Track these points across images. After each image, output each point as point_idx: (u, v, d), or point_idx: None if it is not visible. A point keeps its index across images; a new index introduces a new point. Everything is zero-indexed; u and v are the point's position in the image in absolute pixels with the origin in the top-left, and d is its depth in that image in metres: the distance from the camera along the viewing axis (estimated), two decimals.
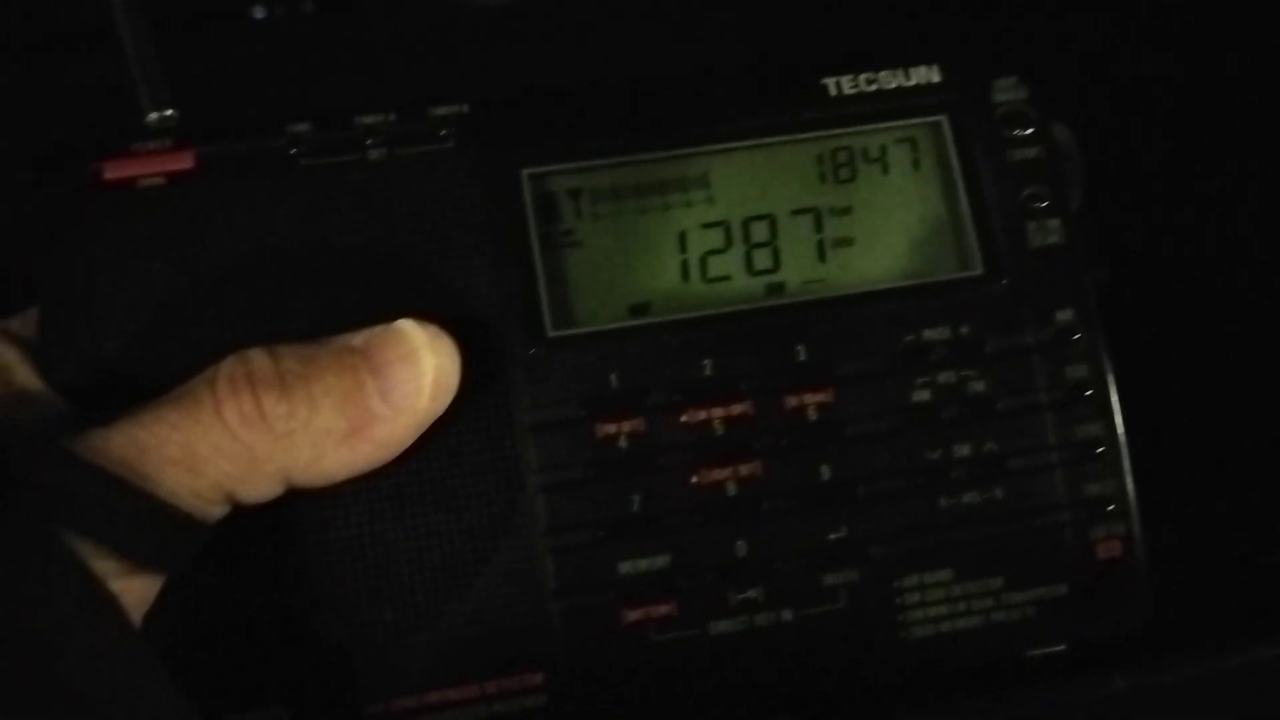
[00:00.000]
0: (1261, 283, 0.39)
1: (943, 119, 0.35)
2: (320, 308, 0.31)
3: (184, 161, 0.32)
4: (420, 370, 0.28)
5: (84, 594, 0.25)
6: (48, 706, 0.24)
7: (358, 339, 0.29)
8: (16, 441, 0.26)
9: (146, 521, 0.26)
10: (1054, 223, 0.35)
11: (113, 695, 0.25)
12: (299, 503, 0.29)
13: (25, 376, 0.30)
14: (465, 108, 0.33)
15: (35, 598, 0.24)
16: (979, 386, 0.33)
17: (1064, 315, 0.34)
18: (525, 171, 0.33)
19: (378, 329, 0.29)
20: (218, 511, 0.28)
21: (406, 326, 0.29)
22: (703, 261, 0.34)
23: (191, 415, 0.27)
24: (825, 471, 0.32)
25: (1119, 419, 0.34)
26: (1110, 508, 0.33)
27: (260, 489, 0.28)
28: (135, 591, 0.26)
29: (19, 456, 0.26)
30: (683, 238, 0.34)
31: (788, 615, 0.32)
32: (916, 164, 0.35)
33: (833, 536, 0.32)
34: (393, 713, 0.30)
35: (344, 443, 0.28)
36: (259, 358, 0.28)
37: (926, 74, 0.35)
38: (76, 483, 0.25)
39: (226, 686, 0.29)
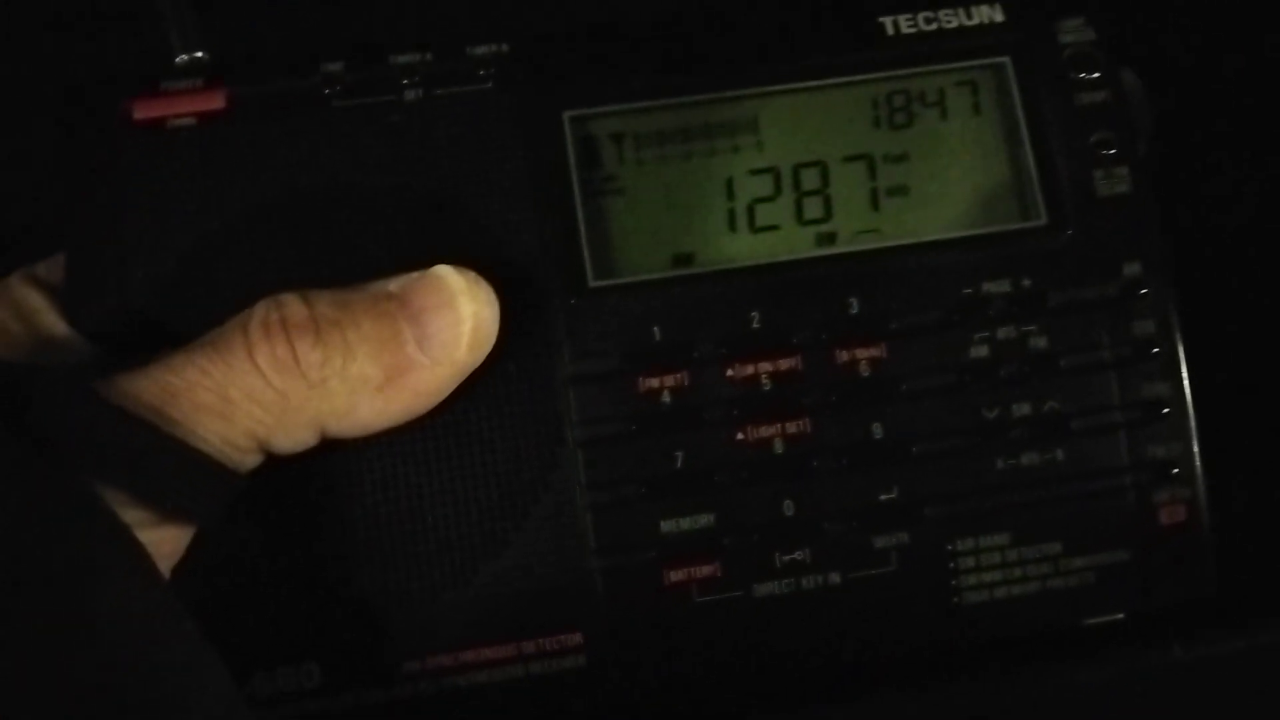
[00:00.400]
0: None
1: (1005, 61, 0.33)
2: (354, 252, 0.30)
3: (215, 102, 0.31)
4: (458, 318, 0.27)
5: (112, 542, 0.24)
6: (72, 654, 0.23)
7: (394, 285, 0.28)
8: (42, 385, 0.25)
9: (177, 470, 0.25)
10: (1122, 171, 0.33)
11: (139, 646, 0.24)
12: (333, 455, 0.28)
13: (51, 322, 0.29)
14: (505, 47, 0.32)
15: (62, 545, 0.23)
16: (1040, 342, 0.32)
17: (1131, 269, 0.32)
18: (567, 114, 0.32)
19: (415, 275, 0.28)
20: (250, 461, 0.27)
21: (444, 273, 0.28)
22: (750, 210, 0.33)
23: (224, 359, 0.26)
24: (877, 430, 0.31)
25: (1186, 379, 0.32)
26: (1174, 471, 0.32)
27: (294, 438, 0.27)
28: (165, 543, 0.26)
29: (45, 401, 0.25)
30: (730, 185, 0.32)
31: (835, 578, 0.31)
32: (977, 108, 0.33)
33: (884, 497, 0.31)
34: (427, 671, 0.29)
35: (379, 392, 0.27)
36: (293, 303, 0.27)
37: (989, 13, 0.34)
38: (105, 428, 0.25)
39: (258, 642, 0.29)
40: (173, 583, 0.26)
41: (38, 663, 0.23)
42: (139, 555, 0.24)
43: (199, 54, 0.33)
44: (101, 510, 0.24)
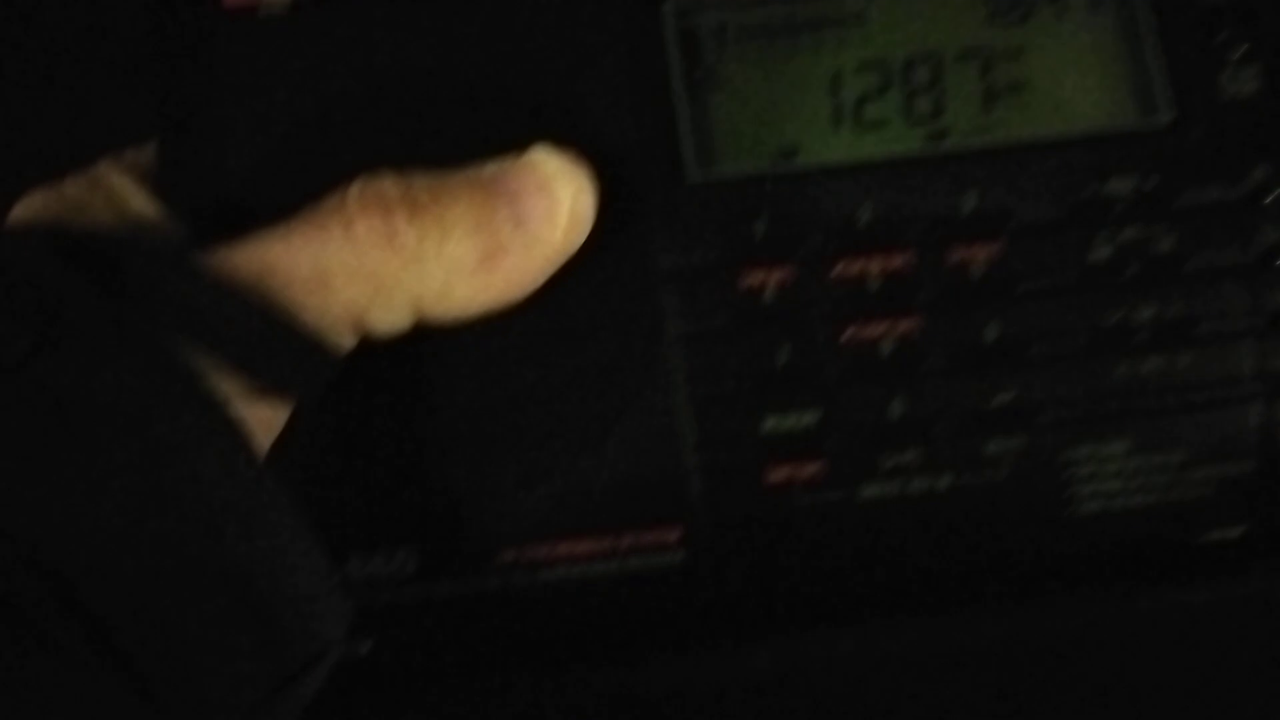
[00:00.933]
0: None
1: None
2: (448, 138, 0.30)
3: None
4: (555, 199, 0.27)
5: (209, 414, 0.23)
6: (172, 526, 0.23)
7: (489, 168, 0.27)
8: (138, 257, 0.25)
9: (275, 342, 0.25)
10: (1251, 69, 0.31)
11: (235, 520, 0.24)
12: (429, 342, 0.28)
13: (142, 204, 0.29)
14: None
15: (160, 414, 0.23)
16: (1165, 245, 0.30)
17: (1260, 172, 0.31)
18: (667, 4, 0.31)
19: (510, 159, 0.28)
20: (348, 342, 0.26)
21: (541, 156, 0.27)
22: (857, 106, 0.31)
23: (321, 234, 0.25)
24: (992, 331, 0.30)
25: None
26: None
27: (390, 317, 0.26)
28: (263, 418, 0.25)
29: (142, 271, 0.24)
30: (836, 80, 0.31)
31: (944, 482, 0.29)
32: (1096, 2, 0.32)
33: (997, 400, 0.30)
34: (522, 561, 0.28)
35: (475, 273, 0.26)
36: (389, 181, 0.26)
37: None
38: (201, 298, 0.24)
39: (353, 525, 0.28)
40: (270, 459, 0.25)
41: (132, 533, 0.22)
42: (236, 429, 0.24)
43: None
44: (199, 382, 0.23)
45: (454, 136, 0.30)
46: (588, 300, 0.29)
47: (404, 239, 0.26)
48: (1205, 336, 0.30)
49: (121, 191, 0.29)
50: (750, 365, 0.29)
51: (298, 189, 0.28)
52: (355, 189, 0.26)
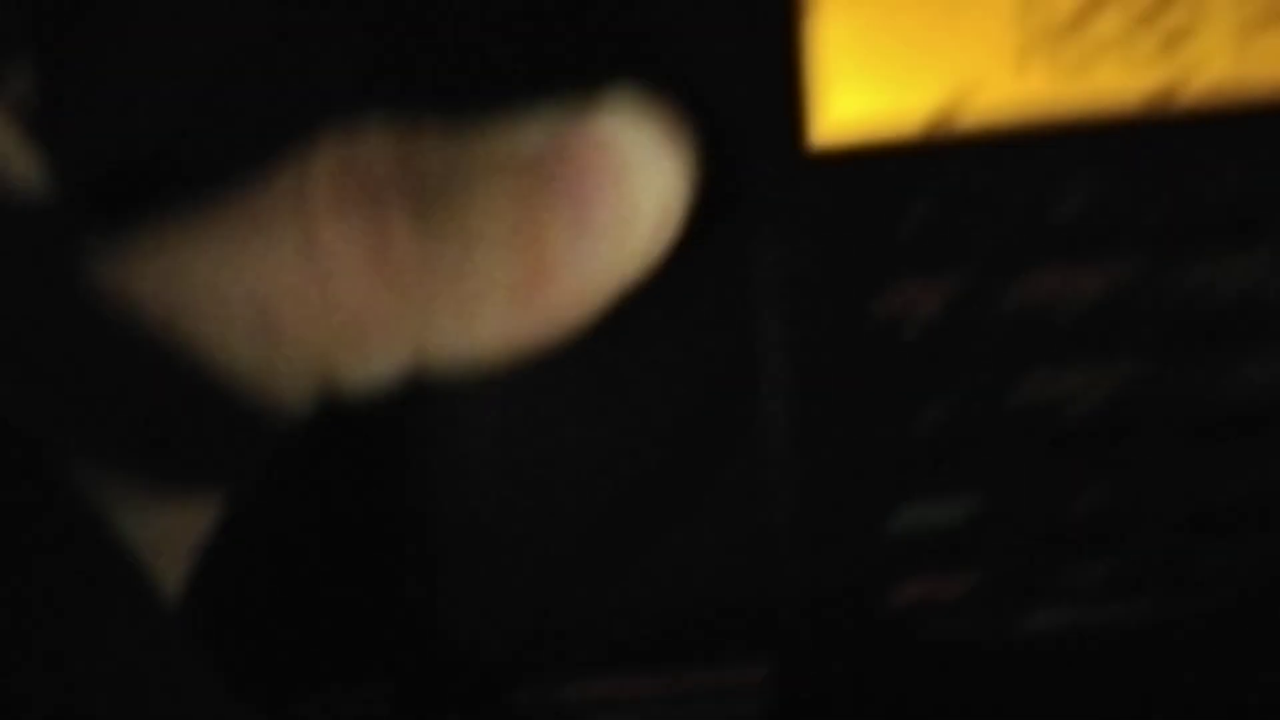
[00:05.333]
0: None
1: None
2: (468, 62, 0.21)
3: None
4: (633, 199, 0.18)
5: (104, 564, 0.16)
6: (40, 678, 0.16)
7: (536, 132, 0.18)
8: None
9: (189, 419, 0.18)
10: None
11: (125, 681, 0.16)
12: (421, 397, 0.20)
13: (21, 170, 0.21)
14: None
15: (39, 557, 0.16)
16: None
17: None
18: None
19: (568, 120, 0.18)
20: (304, 401, 0.18)
21: (615, 126, 0.18)
22: (1054, 39, 0.22)
23: (269, 244, 0.17)
24: (1232, 385, 0.21)
25: None
26: None
27: (373, 371, 0.18)
28: (180, 524, 0.18)
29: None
30: None
31: (1147, 606, 0.22)
32: None
33: (1232, 487, 0.22)
34: (547, 703, 0.21)
35: (505, 305, 0.18)
36: (379, 143, 0.18)
37: None
38: (78, 356, 0.17)
39: (311, 655, 0.22)
40: (195, 575, 0.19)
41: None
42: (135, 576, 0.17)
43: None
44: (86, 515, 0.16)
45: (476, 53, 0.21)
46: (654, 327, 0.21)
47: (401, 257, 0.17)
48: None
49: None
50: (882, 427, 0.21)
51: (238, 122, 0.20)
52: (321, 160, 0.18)
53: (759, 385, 0.21)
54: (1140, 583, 0.22)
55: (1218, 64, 0.22)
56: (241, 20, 0.21)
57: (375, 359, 0.18)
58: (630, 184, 0.18)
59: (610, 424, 0.21)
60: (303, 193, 0.17)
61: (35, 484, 0.16)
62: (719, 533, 0.22)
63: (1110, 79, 0.22)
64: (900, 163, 0.22)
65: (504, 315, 0.18)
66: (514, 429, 0.21)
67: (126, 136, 0.21)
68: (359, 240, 0.17)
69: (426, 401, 0.20)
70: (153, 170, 0.21)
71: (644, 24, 0.22)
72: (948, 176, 0.22)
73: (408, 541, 0.21)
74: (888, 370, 0.21)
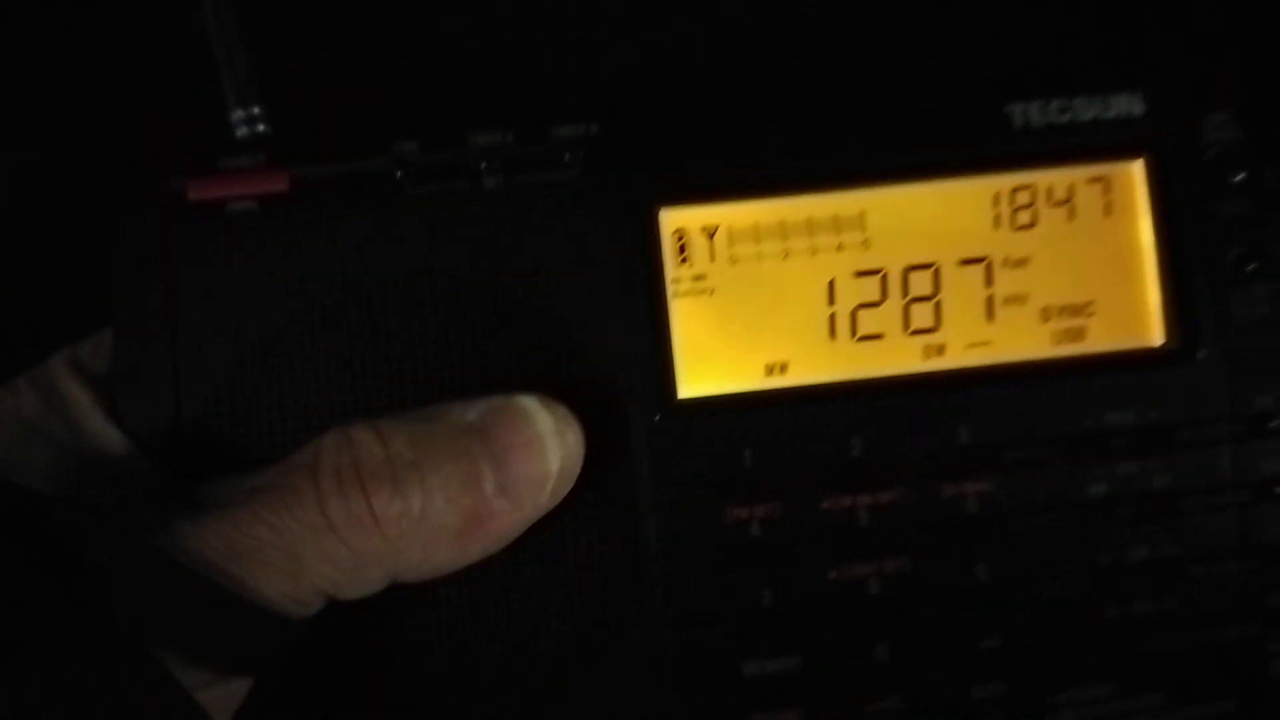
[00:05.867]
0: None
1: (1142, 160, 0.30)
2: (424, 356, 0.28)
3: (277, 183, 0.28)
4: (544, 461, 0.25)
5: (173, 713, 0.22)
6: None
7: (473, 413, 0.25)
8: (99, 536, 0.23)
9: (238, 630, 0.23)
10: (1261, 290, 0.30)
11: None
12: (396, 590, 0.26)
13: (98, 426, 0.27)
14: (593, 128, 0.29)
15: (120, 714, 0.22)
16: (1164, 481, 0.29)
17: (1263, 401, 0.30)
18: (658, 204, 0.29)
19: (497, 403, 0.26)
20: (314, 609, 0.25)
21: (531, 408, 0.25)
22: (853, 316, 0.30)
23: (293, 515, 0.24)
24: (982, 572, 0.29)
25: None
26: None
27: (362, 590, 0.25)
28: (223, 697, 0.24)
29: (102, 554, 0.23)
30: (831, 287, 0.30)
31: None
32: (1108, 209, 0.30)
33: (984, 645, 0.29)
34: None
35: (455, 539, 0.25)
36: (366, 441, 0.24)
37: (1128, 104, 0.30)
38: (166, 591, 0.23)
39: None
40: None
41: None
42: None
43: (255, 109, 0.30)
44: (163, 678, 0.22)
45: (431, 348, 0.28)
46: (561, 535, 0.28)
47: (385, 517, 0.24)
48: (1196, 576, 0.29)
49: (75, 402, 0.28)
50: (733, 605, 0.28)
51: (263, 407, 0.27)
52: (328, 456, 0.24)
53: (645, 574, 0.28)
54: (923, 712, 0.28)
55: (968, 333, 0.30)
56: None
57: (365, 584, 0.25)
58: (542, 453, 0.25)
59: (529, 604, 0.27)
60: (316, 475, 0.24)
61: (144, 671, 0.22)
62: (619, 684, 0.28)
63: (893, 345, 0.30)
64: (742, 411, 0.29)
65: (452, 547, 0.25)
66: (453, 610, 0.27)
67: (179, 409, 0.27)
68: (356, 513, 0.23)
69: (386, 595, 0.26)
70: (200, 430, 0.28)
71: (559, 308, 0.28)
72: (776, 422, 0.29)
73: (383, 696, 0.27)
74: (737, 563, 0.28)
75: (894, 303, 0.30)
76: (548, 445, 0.25)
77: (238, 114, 0.30)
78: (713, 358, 0.29)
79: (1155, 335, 0.30)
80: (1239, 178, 0.30)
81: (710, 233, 0.29)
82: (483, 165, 0.28)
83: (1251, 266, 0.30)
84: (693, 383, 0.29)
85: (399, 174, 0.28)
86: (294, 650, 0.25)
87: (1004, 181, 0.30)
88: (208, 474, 0.27)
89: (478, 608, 0.27)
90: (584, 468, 0.27)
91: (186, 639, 0.23)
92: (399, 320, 0.28)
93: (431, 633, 0.27)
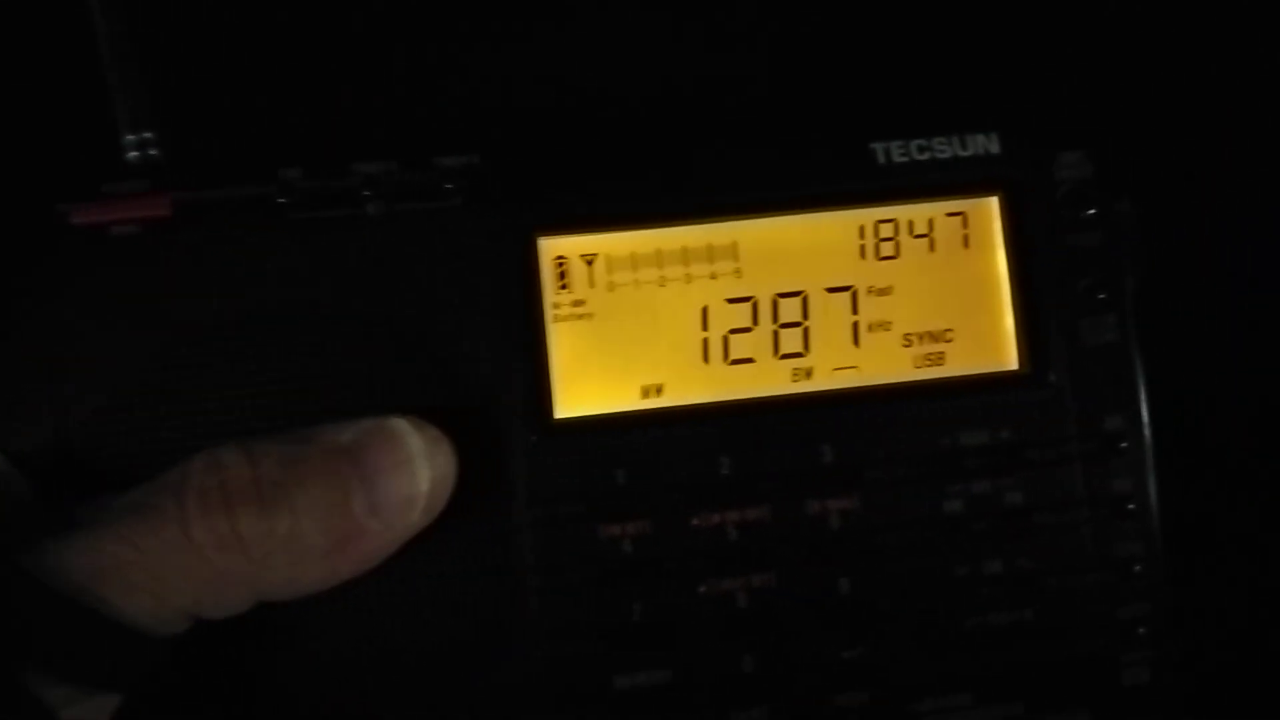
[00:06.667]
0: None
1: (998, 197, 0.32)
2: (305, 379, 0.29)
3: (160, 208, 0.29)
4: (414, 481, 0.26)
5: None
6: None
7: (346, 435, 0.26)
8: None
9: (104, 648, 0.24)
10: (1110, 319, 0.32)
11: None
12: (267, 609, 0.27)
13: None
14: (475, 158, 0.30)
15: None
16: (1016, 498, 0.31)
17: (1112, 422, 0.31)
18: (537, 233, 0.30)
19: (369, 425, 0.26)
20: (180, 628, 0.25)
21: (402, 430, 0.26)
22: (725, 341, 0.31)
23: (157, 535, 0.24)
24: (844, 585, 0.30)
25: (1159, 537, 0.31)
26: (1141, 631, 0.31)
27: (228, 609, 0.25)
28: (88, 714, 0.24)
29: None
30: (704, 313, 0.31)
31: None
32: (966, 242, 0.32)
33: (847, 655, 0.30)
34: None
35: (324, 558, 0.25)
36: (234, 462, 0.25)
37: (985, 144, 0.32)
38: (26, 608, 0.23)
39: None
40: None
41: None
42: None
43: (148, 134, 0.31)
44: (23, 695, 0.22)
45: (311, 373, 0.29)
46: (438, 552, 0.28)
47: (250, 537, 0.24)
48: (1051, 589, 0.31)
49: None
50: (605, 620, 0.29)
51: (143, 431, 0.28)
52: (195, 479, 0.25)
53: (520, 590, 0.29)
54: None
55: (836, 360, 0.32)
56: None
57: (230, 604, 0.25)
58: (412, 474, 0.26)
59: (406, 621, 0.28)
60: (182, 497, 0.24)
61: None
62: (496, 697, 0.28)
63: (763, 368, 0.31)
64: (616, 432, 0.30)
65: (320, 566, 0.25)
66: (329, 629, 0.28)
67: (59, 429, 0.28)
68: (219, 532, 0.24)
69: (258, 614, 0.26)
70: (78, 450, 0.28)
71: (437, 331, 0.29)
72: (648, 442, 0.30)
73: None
74: (609, 579, 0.29)
75: (764, 328, 0.31)
76: (418, 466, 0.26)
77: (130, 139, 0.31)
78: (590, 380, 0.30)
79: (1010, 360, 0.31)
80: (1090, 212, 0.32)
81: (589, 260, 0.31)
82: (366, 193, 0.29)
83: (1101, 296, 0.32)
84: (569, 404, 0.30)
85: (282, 200, 0.29)
86: (163, 668, 0.25)
87: (869, 215, 0.32)
88: (86, 495, 0.27)
89: (352, 626, 0.28)
90: (463, 487, 0.28)
91: (47, 656, 0.23)
92: (279, 344, 0.29)
93: (306, 651, 0.28)
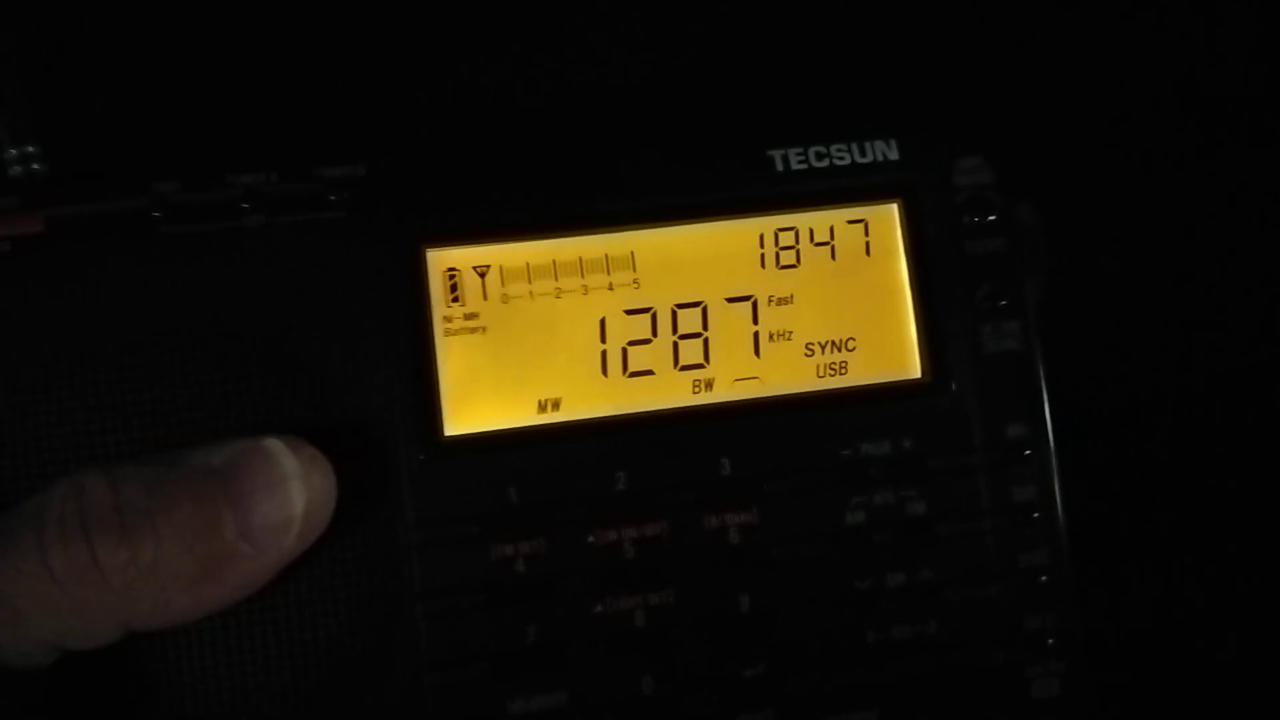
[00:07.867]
0: (1245, 393, 0.37)
1: (897, 203, 0.31)
2: (183, 400, 0.28)
3: (32, 225, 0.28)
4: (288, 503, 0.25)
5: None
6: None
7: (217, 457, 0.25)
8: None
9: None
10: (1012, 325, 0.31)
11: None
12: (142, 638, 0.26)
13: None
14: (360, 169, 0.29)
15: None
16: (918, 508, 0.30)
17: (1015, 430, 0.31)
18: (426, 244, 0.29)
19: (241, 446, 0.25)
20: (45, 660, 0.24)
21: (276, 450, 0.25)
22: (624, 353, 0.30)
23: (13, 564, 0.23)
24: (744, 601, 0.29)
25: (1065, 546, 0.31)
26: (1050, 643, 0.31)
27: (94, 640, 0.24)
28: None
29: None
30: (602, 325, 0.30)
31: None
32: (867, 250, 0.32)
33: (749, 673, 0.29)
34: None
35: (193, 586, 0.24)
36: (96, 488, 0.24)
37: (883, 150, 0.32)
38: None
39: None
40: None
41: None
42: None
43: (29, 149, 0.30)
44: None
45: (187, 393, 0.28)
46: (321, 576, 0.27)
47: (110, 566, 0.23)
48: (954, 600, 0.30)
49: None
50: (496, 644, 0.28)
51: (12, 454, 0.27)
52: (54, 507, 0.24)
53: (406, 615, 0.28)
54: None
55: (737, 370, 0.31)
56: None
57: (95, 635, 0.24)
58: (286, 495, 0.25)
59: (289, 648, 0.27)
60: (40, 529, 0.23)
61: None
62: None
63: (663, 380, 0.31)
64: (509, 448, 0.29)
65: (188, 596, 0.24)
66: (207, 656, 0.27)
67: None
68: (78, 562, 0.23)
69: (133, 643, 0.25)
70: None
71: (325, 344, 0.28)
72: (542, 458, 0.29)
73: None
74: (501, 601, 0.28)
75: (664, 340, 0.31)
76: (292, 487, 0.25)
77: (11, 153, 0.30)
78: (483, 395, 0.29)
79: (913, 369, 0.31)
80: (990, 218, 0.32)
81: (482, 272, 0.30)
82: (245, 205, 0.28)
83: (1003, 302, 0.31)
84: (460, 421, 0.29)
85: (156, 214, 0.28)
86: (28, 701, 0.24)
87: (768, 223, 0.31)
88: None
89: (229, 656, 0.27)
90: (347, 509, 0.27)
91: None
92: (155, 364, 0.27)
93: (180, 682, 0.27)
